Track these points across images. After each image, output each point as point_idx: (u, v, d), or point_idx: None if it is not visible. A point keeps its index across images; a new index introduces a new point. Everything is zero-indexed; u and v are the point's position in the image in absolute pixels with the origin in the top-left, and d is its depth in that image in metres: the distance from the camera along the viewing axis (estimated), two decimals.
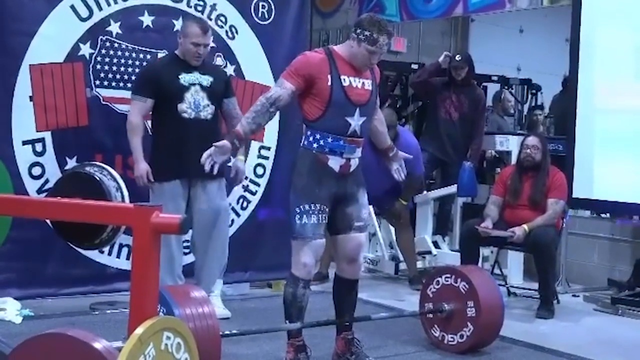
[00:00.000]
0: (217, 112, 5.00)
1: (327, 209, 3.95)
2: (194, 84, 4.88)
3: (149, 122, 5.10)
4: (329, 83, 3.86)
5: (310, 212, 3.90)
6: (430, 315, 4.56)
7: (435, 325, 4.54)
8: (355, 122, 3.94)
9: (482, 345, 4.49)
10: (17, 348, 2.58)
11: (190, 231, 5.07)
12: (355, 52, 3.90)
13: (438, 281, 4.55)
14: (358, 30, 3.88)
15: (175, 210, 4.73)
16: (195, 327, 3.42)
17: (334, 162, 3.93)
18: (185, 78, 4.87)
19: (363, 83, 3.97)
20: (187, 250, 5.33)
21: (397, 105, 8.82)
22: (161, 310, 3.48)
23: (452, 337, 4.46)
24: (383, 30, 3.87)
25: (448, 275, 4.52)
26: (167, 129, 4.88)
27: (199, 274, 5.08)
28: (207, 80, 4.93)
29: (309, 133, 3.96)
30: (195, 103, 4.86)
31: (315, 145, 3.93)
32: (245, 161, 5.30)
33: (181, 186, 4.91)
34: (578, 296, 6.27)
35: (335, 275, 4.21)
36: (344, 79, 3.90)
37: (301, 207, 3.90)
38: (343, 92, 3.89)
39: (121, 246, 5.17)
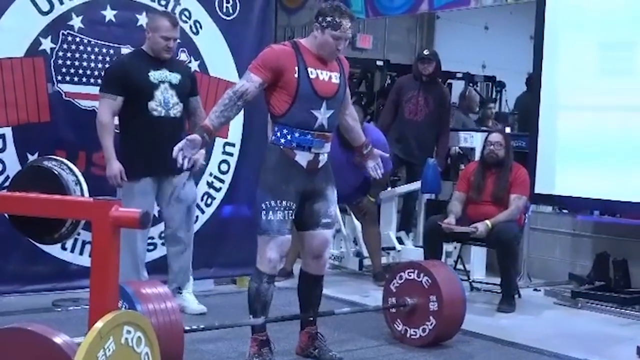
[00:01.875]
0: (184, 110, 4.98)
1: (293, 205, 3.95)
2: (163, 82, 4.85)
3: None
4: (296, 75, 3.86)
5: (277, 208, 3.90)
6: (394, 310, 4.59)
7: (398, 320, 4.57)
8: (322, 115, 3.94)
9: (444, 338, 4.53)
10: None
11: (163, 226, 5.11)
12: (321, 41, 3.90)
13: (401, 276, 4.58)
14: (320, 18, 3.89)
15: (144, 206, 4.70)
16: (158, 323, 3.42)
17: (302, 158, 3.94)
18: (154, 75, 4.83)
19: (330, 76, 3.97)
20: (150, 247, 5.32)
21: (363, 102, 8.86)
22: (123, 305, 3.47)
23: (414, 331, 4.49)
24: (345, 14, 3.89)
25: (411, 270, 4.56)
26: (137, 127, 4.83)
27: (174, 268, 5.07)
28: (175, 77, 4.91)
29: (276, 129, 3.95)
30: (165, 101, 4.84)
31: (282, 140, 3.92)
32: (203, 153, 5.25)
33: (151, 183, 4.89)
34: (539, 290, 6.35)
35: (301, 271, 4.22)
36: (311, 72, 3.90)
37: (267, 203, 3.90)
38: (310, 84, 3.89)
39: (84, 243, 5.12)
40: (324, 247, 4.12)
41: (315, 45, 3.93)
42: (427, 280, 4.46)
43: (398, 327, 4.57)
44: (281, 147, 3.93)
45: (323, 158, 4.02)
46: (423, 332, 4.45)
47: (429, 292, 4.44)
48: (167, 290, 3.74)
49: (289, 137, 3.91)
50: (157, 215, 5.16)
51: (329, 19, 3.87)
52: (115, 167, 4.76)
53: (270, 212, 3.91)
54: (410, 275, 4.54)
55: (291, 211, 3.95)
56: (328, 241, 4.16)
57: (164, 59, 4.88)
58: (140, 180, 4.84)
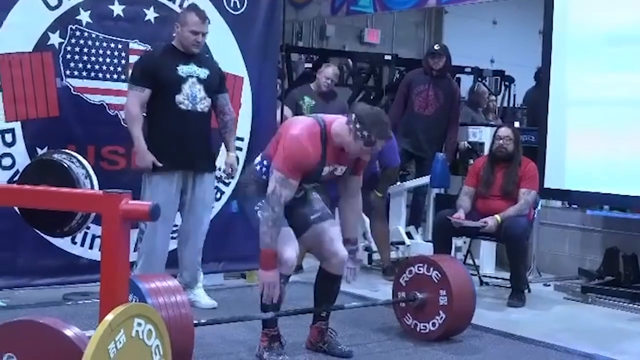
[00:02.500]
0: (211, 105, 4.98)
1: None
2: (191, 76, 4.86)
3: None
4: (313, 169, 3.85)
5: None
6: (403, 304, 4.58)
7: (408, 314, 4.56)
8: (310, 186, 4.03)
9: (454, 333, 4.52)
10: None
11: (179, 220, 5.11)
12: (349, 143, 3.80)
13: (411, 270, 4.58)
14: (358, 126, 3.75)
15: (168, 200, 4.78)
16: (169, 316, 3.41)
17: None
18: (183, 69, 4.84)
19: (335, 168, 3.94)
20: None
21: (371, 97, 8.84)
22: (134, 299, 3.46)
23: (424, 326, 4.49)
24: (383, 135, 3.80)
25: (421, 265, 4.55)
26: (164, 120, 4.84)
27: (184, 262, 5.08)
28: (204, 73, 4.91)
29: (264, 164, 3.95)
30: (192, 95, 4.84)
31: (264, 177, 3.92)
32: (237, 157, 5.30)
33: (176, 177, 4.89)
34: (549, 285, 6.33)
35: (320, 268, 4.18)
36: (327, 168, 3.89)
37: (259, 204, 3.89)
38: (319, 175, 3.93)
39: (94, 237, 5.13)
40: (327, 240, 4.03)
41: (343, 141, 3.82)
42: (437, 274, 4.45)
43: (408, 321, 4.56)
44: (262, 176, 3.93)
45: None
46: (433, 327, 4.45)
47: (439, 286, 4.43)
48: (177, 284, 3.74)
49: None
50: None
51: (366, 133, 3.74)
52: (147, 157, 4.78)
53: None
54: (420, 270, 4.53)
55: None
56: (329, 232, 4.05)
57: (193, 54, 4.89)
58: (164, 174, 4.84)
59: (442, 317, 4.41)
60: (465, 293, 4.49)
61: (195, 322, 3.69)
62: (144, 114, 4.90)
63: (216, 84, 5.00)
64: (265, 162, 3.96)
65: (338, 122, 3.85)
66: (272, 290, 3.83)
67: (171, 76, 4.80)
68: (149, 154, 4.78)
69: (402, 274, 4.62)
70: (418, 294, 4.49)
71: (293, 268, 3.97)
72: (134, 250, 4.93)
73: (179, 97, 4.80)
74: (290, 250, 3.87)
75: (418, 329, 4.51)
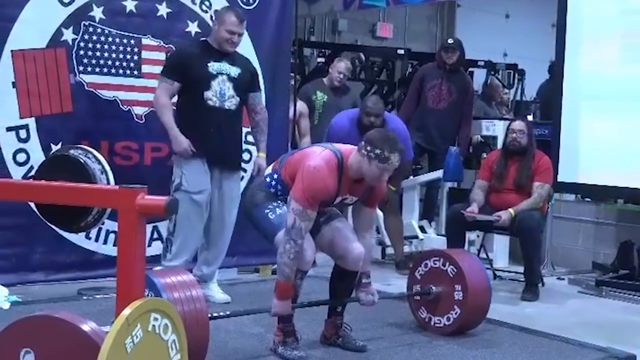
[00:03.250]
0: (241, 104, 4.97)
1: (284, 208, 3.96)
2: (221, 73, 4.86)
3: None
4: (327, 199, 3.87)
5: (280, 204, 3.96)
6: (418, 298, 4.58)
7: (423, 308, 4.56)
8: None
9: (469, 327, 4.52)
10: (4, 330, 2.58)
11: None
12: (366, 170, 3.80)
13: (426, 264, 4.57)
14: (368, 148, 3.77)
15: (203, 178, 4.83)
16: (184, 311, 3.42)
17: None
18: (214, 66, 4.85)
19: (347, 198, 3.96)
20: None
21: (384, 92, 8.84)
22: (149, 294, 3.47)
23: (438, 320, 4.48)
24: (394, 148, 3.79)
25: (436, 259, 4.54)
26: (191, 114, 4.86)
27: (208, 258, 5.07)
28: (235, 71, 4.91)
29: (276, 178, 3.99)
30: (221, 92, 4.84)
31: (272, 190, 3.99)
32: (264, 157, 5.16)
33: (206, 163, 4.89)
34: (563, 279, 6.32)
35: (335, 265, 4.18)
36: (339, 198, 3.92)
37: (269, 206, 3.95)
38: (330, 204, 3.96)
39: (108, 232, 5.15)
40: (339, 239, 4.03)
41: (359, 170, 3.83)
42: (452, 269, 4.45)
43: (422, 314, 4.56)
44: (270, 189, 3.99)
45: None
46: (447, 321, 4.45)
47: (454, 281, 4.43)
48: (192, 278, 3.74)
49: (280, 195, 3.97)
50: None
51: (377, 151, 3.76)
52: (183, 141, 4.77)
53: (277, 209, 3.96)
54: (435, 264, 4.53)
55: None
56: (339, 230, 4.06)
57: (227, 52, 4.90)
58: (196, 159, 4.84)
59: (456, 312, 4.41)
60: (481, 289, 4.48)
61: (210, 315, 3.70)
62: (173, 107, 4.91)
63: (247, 82, 4.99)
64: (275, 176, 4.00)
65: (353, 154, 3.86)
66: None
67: (201, 72, 4.81)
68: (183, 137, 4.79)
69: (417, 267, 4.62)
70: (433, 287, 4.49)
71: (310, 265, 3.98)
72: (149, 246, 4.94)
73: (207, 94, 4.81)
74: (309, 249, 3.89)
75: (432, 323, 4.51)
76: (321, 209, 3.93)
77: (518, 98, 9.82)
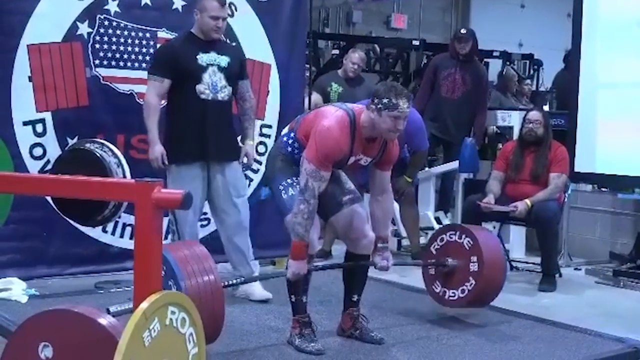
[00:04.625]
0: (232, 93, 4.88)
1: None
2: (211, 65, 4.75)
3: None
4: (341, 159, 3.88)
5: (294, 184, 3.95)
6: (432, 272, 4.56)
7: (437, 282, 4.54)
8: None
9: (482, 300, 4.49)
10: (23, 324, 2.59)
11: (210, 212, 5.07)
12: (378, 123, 3.81)
13: (442, 238, 4.56)
14: (376, 100, 3.80)
15: (193, 190, 4.65)
16: (198, 283, 3.43)
17: None
18: (203, 58, 4.73)
19: (361, 158, 3.96)
20: (205, 222, 5.39)
21: (399, 83, 8.79)
22: (168, 278, 3.45)
23: (453, 293, 4.47)
24: (401, 94, 3.80)
25: (452, 232, 4.54)
26: (185, 110, 4.75)
27: (234, 258, 4.98)
28: (224, 61, 4.80)
29: (292, 136, 4.01)
30: (213, 84, 4.74)
31: (289, 149, 4.00)
32: (253, 145, 5.11)
33: (200, 168, 4.79)
34: (580, 269, 6.29)
35: (347, 252, 4.20)
36: (353, 157, 3.92)
37: (283, 183, 3.96)
38: (344, 164, 3.96)
39: (124, 226, 5.17)
40: (358, 222, 4.06)
41: (371, 126, 3.85)
42: (468, 241, 4.43)
43: (436, 289, 4.55)
44: (286, 151, 4.01)
45: None
46: (462, 293, 4.42)
47: (470, 253, 4.40)
48: (205, 250, 3.68)
49: (295, 154, 3.98)
50: None
51: (385, 100, 3.78)
52: (157, 149, 4.67)
53: (290, 189, 3.96)
54: (451, 237, 4.51)
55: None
56: (359, 214, 4.08)
57: (214, 41, 4.78)
58: (188, 165, 4.75)
59: (471, 284, 4.38)
60: (497, 261, 4.46)
61: (224, 283, 3.70)
62: (165, 103, 4.84)
63: (237, 71, 4.88)
64: (292, 135, 4.02)
65: (364, 112, 3.88)
66: (299, 278, 3.91)
67: (191, 66, 4.70)
68: (159, 146, 4.67)
69: (433, 242, 4.60)
70: (449, 259, 4.46)
71: (316, 249, 4.03)
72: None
73: (199, 87, 4.69)
74: (315, 234, 3.94)
75: (447, 297, 4.49)
76: (335, 168, 3.94)
77: (534, 88, 9.78)
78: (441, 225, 6.80)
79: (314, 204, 3.80)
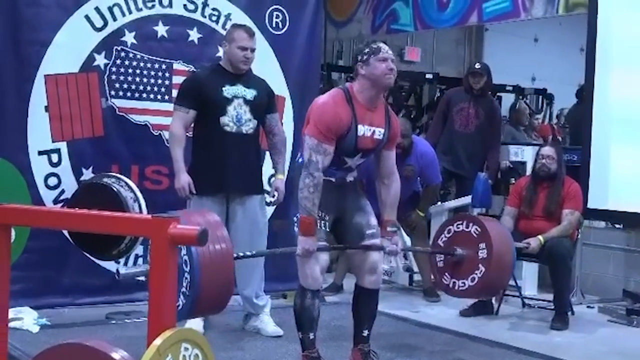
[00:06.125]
0: (259, 126, 4.84)
1: (326, 217, 3.96)
2: (237, 97, 4.71)
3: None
4: (347, 132, 3.87)
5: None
6: (441, 264, 4.50)
7: (446, 274, 4.47)
8: (353, 162, 4.00)
9: (491, 288, 4.45)
10: (35, 358, 2.59)
11: None
12: (371, 72, 3.87)
13: (449, 229, 4.51)
14: (358, 58, 3.92)
15: None
16: (209, 250, 3.39)
17: (329, 176, 3.97)
18: (228, 90, 4.69)
19: (374, 131, 3.96)
20: None
21: (412, 116, 8.83)
22: None
23: (462, 282, 4.40)
24: (377, 42, 3.95)
25: (460, 222, 4.49)
26: (208, 141, 4.72)
27: (244, 293, 4.94)
28: (250, 93, 4.76)
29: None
30: (237, 117, 4.69)
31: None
32: (284, 179, 5.06)
33: (220, 200, 4.74)
34: (593, 307, 6.24)
35: (355, 285, 4.19)
36: (360, 129, 3.90)
37: (297, 215, 3.93)
38: (355, 141, 3.91)
39: (137, 257, 5.17)
40: (376, 259, 4.08)
41: (369, 85, 3.90)
42: (476, 229, 4.38)
43: (446, 281, 4.47)
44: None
45: (350, 177, 4.07)
46: (472, 282, 4.35)
47: (478, 240, 4.34)
48: (217, 219, 3.62)
49: None
50: None
51: (366, 50, 3.91)
52: (183, 179, 4.62)
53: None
54: (459, 227, 4.46)
55: (324, 222, 3.96)
56: (378, 252, 4.12)
57: (241, 73, 4.76)
58: (210, 196, 4.70)
59: (481, 271, 4.31)
60: (505, 245, 4.41)
61: (235, 255, 3.69)
62: (190, 134, 4.83)
63: (264, 104, 4.84)
64: (300, 154, 4.01)
65: (356, 81, 3.96)
66: (309, 254, 3.87)
67: (216, 97, 4.67)
68: (185, 175, 4.64)
69: (440, 235, 4.55)
70: (457, 248, 4.41)
71: (320, 283, 4.01)
72: None
73: (223, 119, 4.66)
74: (314, 266, 3.92)
75: (457, 287, 4.42)
76: (355, 155, 3.93)
77: (546, 122, 9.78)
78: None
79: (318, 176, 3.81)
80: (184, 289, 3.25)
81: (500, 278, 4.46)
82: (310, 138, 3.84)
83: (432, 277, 4.64)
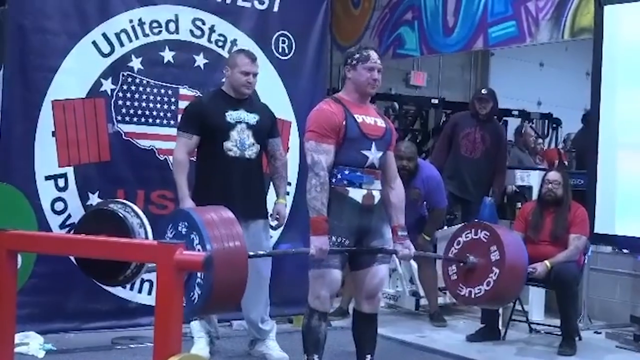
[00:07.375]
0: (262, 151, 4.84)
1: (346, 242, 3.94)
2: (240, 122, 4.70)
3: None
4: (344, 123, 3.92)
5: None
6: (455, 277, 4.44)
7: (461, 285, 4.41)
8: (373, 155, 3.98)
9: (507, 290, 4.36)
10: None
11: None
12: (356, 78, 3.99)
13: (459, 241, 4.46)
14: (347, 62, 4.03)
15: None
16: (224, 248, 3.35)
17: (355, 194, 3.94)
18: (231, 115, 4.69)
19: (375, 121, 4.03)
20: None
21: (417, 140, 8.84)
22: (194, 236, 3.34)
23: (479, 289, 4.32)
24: (369, 48, 4.07)
25: (468, 232, 4.45)
26: (212, 166, 4.71)
27: (250, 317, 4.90)
28: (253, 118, 4.76)
29: None
30: (240, 141, 4.69)
31: (333, 179, 3.94)
32: (286, 204, 5.08)
33: None
34: (600, 333, 6.20)
35: (354, 310, 4.18)
36: (357, 117, 3.96)
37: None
38: (357, 126, 3.94)
39: (142, 281, 5.18)
40: (381, 283, 4.10)
41: (353, 89, 4.01)
42: (485, 234, 4.34)
43: (461, 292, 4.40)
44: (332, 185, 3.93)
45: (377, 195, 4.03)
46: (487, 286, 4.28)
47: (488, 244, 4.30)
48: (232, 216, 3.55)
49: (339, 175, 3.94)
50: None
51: (356, 55, 4.00)
52: (187, 205, 4.59)
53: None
54: (467, 237, 4.42)
55: (342, 246, 3.94)
56: (384, 278, 4.15)
57: (244, 98, 4.76)
58: None
59: (495, 273, 4.25)
60: (516, 243, 4.39)
61: (249, 254, 3.62)
62: (194, 159, 4.83)
63: (267, 129, 4.85)
64: None
65: (344, 86, 4.07)
66: (322, 254, 3.85)
67: (219, 123, 4.66)
68: (189, 201, 4.61)
69: (450, 248, 4.50)
70: (469, 256, 4.35)
71: (327, 306, 4.00)
72: None
73: (227, 144, 4.65)
74: (324, 289, 3.94)
75: (473, 295, 4.35)
76: (366, 148, 3.95)
77: (552, 147, 9.78)
78: None
79: (323, 175, 3.85)
80: (197, 291, 3.23)
81: (515, 278, 4.36)
82: (309, 142, 3.92)
83: (448, 291, 4.57)
